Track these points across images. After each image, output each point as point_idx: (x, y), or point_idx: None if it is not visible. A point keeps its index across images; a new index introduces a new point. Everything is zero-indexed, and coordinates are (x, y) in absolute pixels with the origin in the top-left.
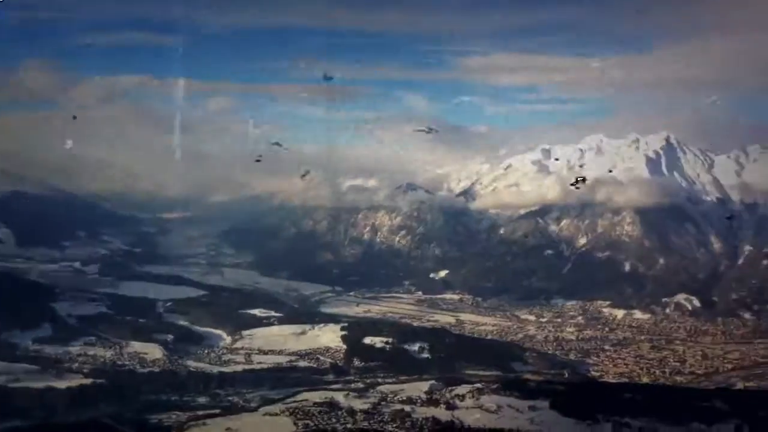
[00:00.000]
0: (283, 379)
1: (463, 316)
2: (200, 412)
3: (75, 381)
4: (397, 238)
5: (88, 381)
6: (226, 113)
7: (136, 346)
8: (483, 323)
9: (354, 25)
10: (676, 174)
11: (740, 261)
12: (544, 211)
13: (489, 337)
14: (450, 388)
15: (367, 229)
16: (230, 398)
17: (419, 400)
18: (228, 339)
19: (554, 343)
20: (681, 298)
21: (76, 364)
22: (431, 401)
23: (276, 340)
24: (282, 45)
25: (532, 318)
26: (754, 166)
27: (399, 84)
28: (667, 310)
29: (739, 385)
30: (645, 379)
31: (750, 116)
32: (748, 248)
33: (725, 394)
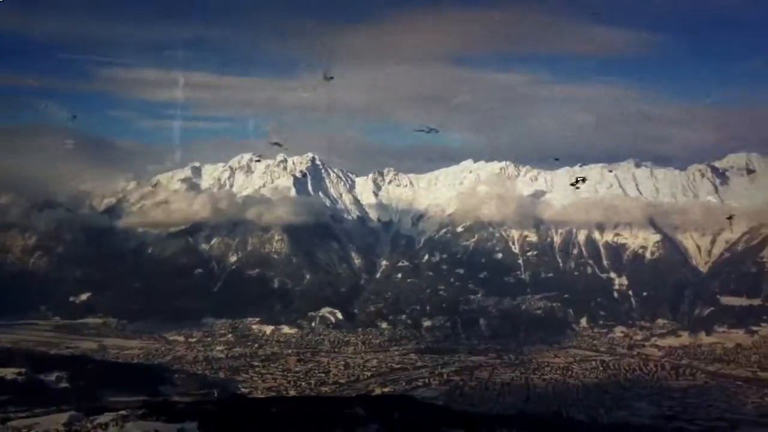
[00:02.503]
0: None
1: (107, 341)
2: None
3: None
4: (32, 260)
5: None
6: None
7: None
8: (128, 347)
9: None
10: (321, 193)
11: (377, 275)
12: (194, 229)
13: (135, 361)
14: (92, 417)
15: None
16: None
17: None
18: None
19: (204, 363)
20: (325, 311)
21: None
22: None
23: None
24: None
25: (181, 339)
26: (389, 187)
27: (36, 92)
28: (313, 324)
29: (378, 391)
30: (292, 392)
31: (388, 141)
32: (384, 263)
33: (365, 401)
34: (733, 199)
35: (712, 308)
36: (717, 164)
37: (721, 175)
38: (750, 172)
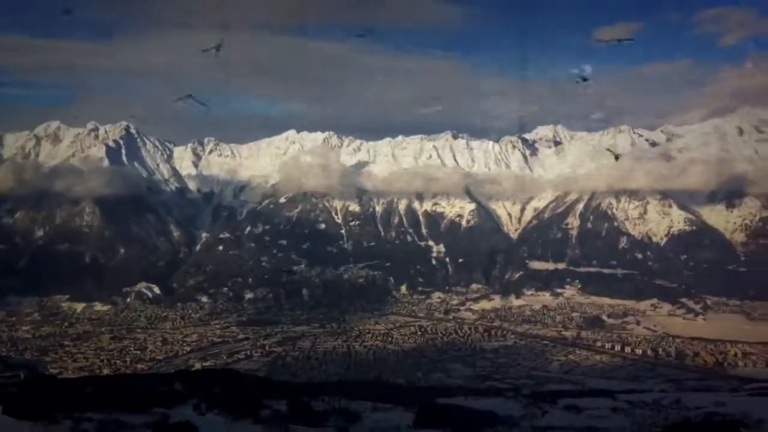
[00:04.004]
0: None
1: None
2: None
3: None
4: None
5: None
6: None
7: None
8: None
9: None
10: (136, 164)
11: (198, 247)
12: None
13: None
14: None
15: None
16: None
17: None
18: None
19: (8, 344)
20: (142, 286)
21: None
22: None
23: None
24: None
25: None
26: (209, 157)
27: None
28: (128, 300)
29: (198, 366)
30: (106, 371)
31: (208, 110)
32: (205, 235)
33: (184, 376)
34: (541, 169)
35: (521, 272)
36: (527, 136)
37: (531, 146)
38: (557, 143)
